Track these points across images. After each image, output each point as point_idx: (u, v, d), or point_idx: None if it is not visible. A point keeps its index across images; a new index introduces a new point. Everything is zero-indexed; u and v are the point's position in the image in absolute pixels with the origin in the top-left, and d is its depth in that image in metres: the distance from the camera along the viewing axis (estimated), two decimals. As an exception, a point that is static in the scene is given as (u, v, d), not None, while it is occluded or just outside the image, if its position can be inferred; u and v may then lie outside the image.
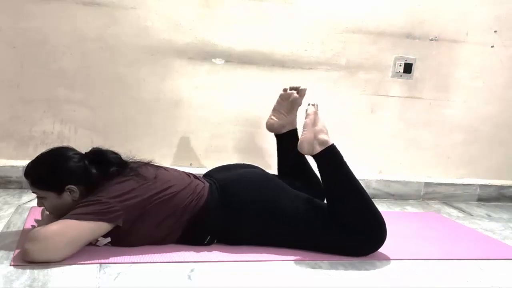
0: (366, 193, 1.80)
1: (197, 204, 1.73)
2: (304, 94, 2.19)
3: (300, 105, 2.20)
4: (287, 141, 2.20)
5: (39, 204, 1.71)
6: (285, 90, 2.21)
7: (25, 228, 1.81)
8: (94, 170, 1.69)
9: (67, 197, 1.67)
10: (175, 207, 1.69)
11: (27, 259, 1.49)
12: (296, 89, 2.20)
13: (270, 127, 2.23)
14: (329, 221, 1.77)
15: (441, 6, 2.70)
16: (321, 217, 1.78)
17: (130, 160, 1.78)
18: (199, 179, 1.84)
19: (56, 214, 1.67)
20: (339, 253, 1.78)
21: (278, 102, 2.23)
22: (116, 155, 1.76)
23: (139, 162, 1.78)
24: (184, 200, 1.71)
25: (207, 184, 1.81)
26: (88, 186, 1.67)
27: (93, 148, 1.78)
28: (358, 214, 1.76)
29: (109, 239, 1.65)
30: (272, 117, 2.22)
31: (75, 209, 1.58)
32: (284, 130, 2.20)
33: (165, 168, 1.82)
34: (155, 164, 1.82)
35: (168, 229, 1.71)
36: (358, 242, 1.78)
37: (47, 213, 1.70)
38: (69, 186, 1.66)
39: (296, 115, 2.21)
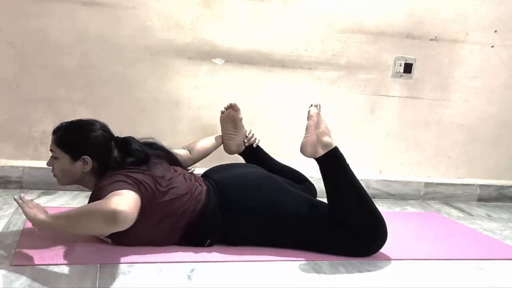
0: (367, 195, 1.80)
1: (194, 208, 1.72)
2: (238, 108, 2.24)
3: (240, 119, 2.25)
4: (252, 158, 2.25)
5: (49, 163, 1.77)
6: (222, 112, 2.27)
7: (25, 228, 1.80)
8: (115, 155, 1.73)
9: (78, 166, 1.72)
10: (175, 209, 1.69)
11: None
12: (230, 106, 2.25)
13: (229, 152, 2.28)
14: (331, 222, 1.77)
15: (441, 6, 2.70)
16: (323, 218, 1.78)
17: (151, 152, 1.82)
18: (197, 181, 1.83)
19: (59, 178, 1.76)
20: (340, 253, 1.78)
21: (221, 126, 2.29)
22: (141, 151, 1.77)
23: (156, 160, 1.80)
24: (183, 204, 1.71)
25: (204, 187, 1.79)
26: (102, 166, 1.71)
27: (126, 136, 1.82)
28: (359, 216, 1.76)
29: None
30: (226, 142, 2.28)
31: (101, 189, 1.54)
32: (243, 148, 2.26)
33: (172, 168, 1.84)
34: (162, 161, 1.84)
35: (166, 231, 1.71)
36: (359, 243, 1.78)
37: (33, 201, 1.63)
38: (85, 156, 1.70)
39: (244, 128, 2.27)
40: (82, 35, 2.33)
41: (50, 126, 2.34)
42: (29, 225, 1.83)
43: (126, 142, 1.78)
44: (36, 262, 1.52)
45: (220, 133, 2.32)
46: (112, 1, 2.34)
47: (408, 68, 2.72)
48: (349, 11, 2.60)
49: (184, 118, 2.50)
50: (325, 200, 1.84)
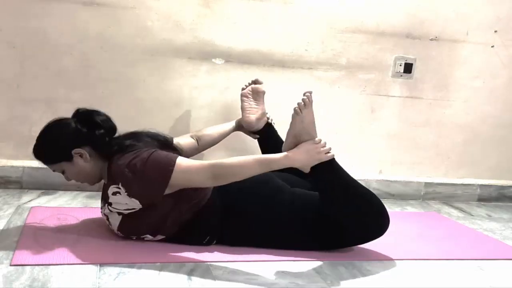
0: (361, 185, 1.81)
1: (199, 203, 1.73)
2: (261, 81, 2.27)
3: (264, 91, 2.26)
4: (270, 136, 2.24)
5: (66, 179, 1.78)
6: (243, 88, 2.27)
7: (25, 228, 1.80)
8: (84, 130, 1.73)
9: (80, 161, 1.72)
10: (187, 197, 1.70)
11: None
12: (253, 82, 2.27)
13: (249, 125, 2.21)
14: (325, 216, 1.76)
15: (441, 6, 2.70)
16: (318, 213, 1.77)
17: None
18: None
19: (81, 180, 1.77)
20: (338, 246, 1.80)
21: (243, 101, 2.24)
22: (105, 117, 1.81)
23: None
24: (195, 195, 1.72)
25: None
26: (99, 146, 1.73)
27: (78, 109, 1.80)
28: (353, 200, 1.75)
29: (120, 218, 1.67)
30: (248, 115, 2.22)
31: (149, 159, 1.63)
32: (261, 124, 2.22)
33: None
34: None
35: (177, 215, 1.71)
36: (358, 230, 1.77)
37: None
38: (74, 150, 1.71)
39: (264, 102, 2.27)
40: (82, 35, 2.33)
41: (50, 126, 2.35)
42: (29, 225, 1.83)
43: (84, 115, 1.77)
44: (36, 262, 1.52)
45: (230, 121, 2.30)
46: (112, 1, 2.33)
47: (408, 68, 2.72)
48: (349, 11, 2.60)
49: (184, 118, 2.50)
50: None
